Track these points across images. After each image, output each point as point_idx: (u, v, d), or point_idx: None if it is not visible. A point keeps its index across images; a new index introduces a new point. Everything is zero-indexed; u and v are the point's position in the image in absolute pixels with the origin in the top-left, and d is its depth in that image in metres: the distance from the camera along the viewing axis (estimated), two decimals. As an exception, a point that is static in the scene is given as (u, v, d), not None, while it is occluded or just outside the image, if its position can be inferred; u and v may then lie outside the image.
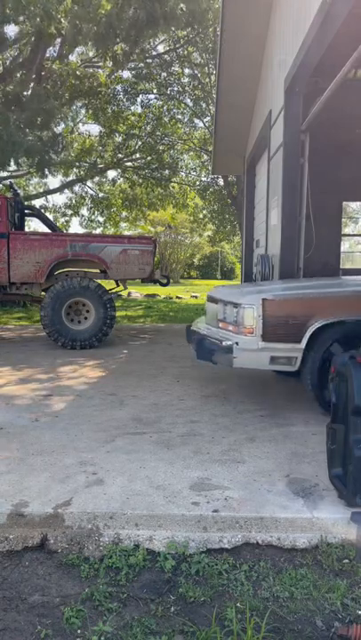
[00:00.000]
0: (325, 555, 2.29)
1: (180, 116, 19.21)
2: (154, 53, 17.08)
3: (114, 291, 8.32)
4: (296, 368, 3.73)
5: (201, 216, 23.79)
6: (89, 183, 20.91)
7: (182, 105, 18.82)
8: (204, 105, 18.16)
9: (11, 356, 6.69)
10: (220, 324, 4.12)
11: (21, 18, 11.20)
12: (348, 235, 19.30)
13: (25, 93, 12.84)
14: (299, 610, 1.99)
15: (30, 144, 11.93)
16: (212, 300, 4.50)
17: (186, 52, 17.01)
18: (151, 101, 18.79)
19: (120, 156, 19.21)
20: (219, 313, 4.21)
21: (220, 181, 19.86)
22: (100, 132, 18.79)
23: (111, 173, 20.60)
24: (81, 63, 16.07)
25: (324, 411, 3.76)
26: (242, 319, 3.72)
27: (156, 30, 12.33)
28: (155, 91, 18.34)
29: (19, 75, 13.54)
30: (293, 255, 6.29)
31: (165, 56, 17.36)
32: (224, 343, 3.77)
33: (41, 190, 21.39)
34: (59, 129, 15.49)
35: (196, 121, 19.31)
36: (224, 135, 11.28)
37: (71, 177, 19.99)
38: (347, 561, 2.27)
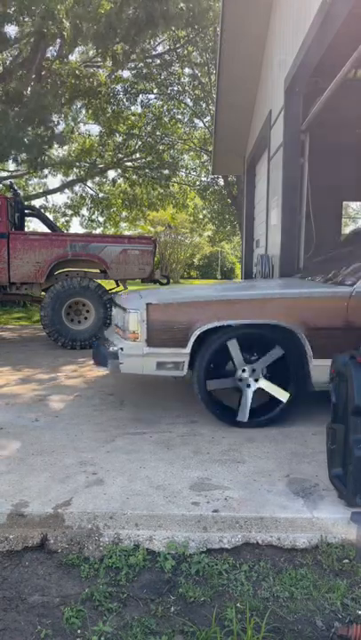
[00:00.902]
0: (325, 555, 2.29)
1: (180, 116, 19.21)
2: (154, 53, 17.08)
3: (114, 291, 8.33)
4: (185, 373, 3.67)
5: (201, 216, 23.80)
6: (89, 183, 20.92)
7: (182, 105, 18.82)
8: (204, 105, 18.16)
9: (11, 355, 6.69)
10: (115, 329, 4.09)
11: (22, 17, 11.20)
12: (349, 235, 19.26)
13: (25, 92, 12.84)
14: (299, 610, 1.99)
15: (30, 140, 11.95)
16: (114, 304, 4.45)
17: (186, 52, 17.00)
18: (151, 101, 18.81)
19: (120, 155, 19.21)
20: (115, 318, 4.20)
21: (221, 181, 19.86)
22: (100, 132, 18.79)
23: (111, 173, 20.61)
24: (81, 63, 16.07)
25: (216, 417, 3.73)
26: (127, 324, 3.67)
27: (155, 30, 12.33)
28: (155, 91, 18.34)
29: (19, 74, 13.55)
30: (293, 255, 6.29)
31: (165, 56, 17.36)
32: (111, 349, 3.71)
33: (41, 190, 21.38)
34: (59, 128, 15.51)
35: (196, 121, 19.31)
36: (224, 135, 11.28)
37: (71, 177, 20.01)
38: (347, 561, 2.27)
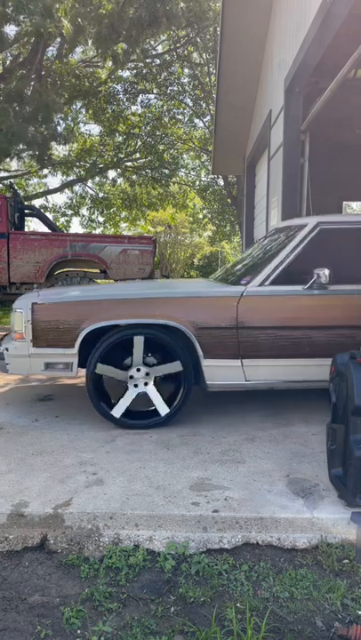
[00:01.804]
0: (325, 555, 2.29)
1: (180, 116, 19.22)
2: (154, 53, 17.08)
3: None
4: (75, 374, 3.61)
5: (201, 216, 23.79)
6: (89, 183, 20.93)
7: (182, 105, 18.83)
8: (204, 105, 18.17)
9: (11, 355, 6.67)
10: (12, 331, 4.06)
11: (22, 17, 11.21)
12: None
13: (26, 91, 12.86)
14: (299, 610, 1.99)
15: (32, 137, 11.98)
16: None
17: (186, 52, 17.01)
18: (151, 101, 18.82)
19: (120, 156, 19.22)
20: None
21: (221, 181, 19.86)
22: (100, 132, 18.80)
23: (111, 173, 20.62)
24: (81, 63, 16.07)
25: (105, 418, 3.66)
26: (12, 324, 3.62)
27: (157, 29, 12.36)
28: (155, 91, 18.35)
29: (19, 74, 13.56)
30: (293, 255, 6.27)
31: (165, 56, 17.36)
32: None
33: (41, 190, 21.40)
34: (60, 128, 15.53)
35: (196, 121, 19.32)
36: (224, 135, 11.28)
37: (71, 177, 20.02)
38: (347, 561, 2.27)
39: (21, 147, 12.36)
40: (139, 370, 3.64)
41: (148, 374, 3.64)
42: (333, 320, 3.58)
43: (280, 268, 3.64)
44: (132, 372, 3.64)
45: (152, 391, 3.64)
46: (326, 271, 3.45)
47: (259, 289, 3.61)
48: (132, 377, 3.64)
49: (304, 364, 3.61)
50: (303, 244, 3.68)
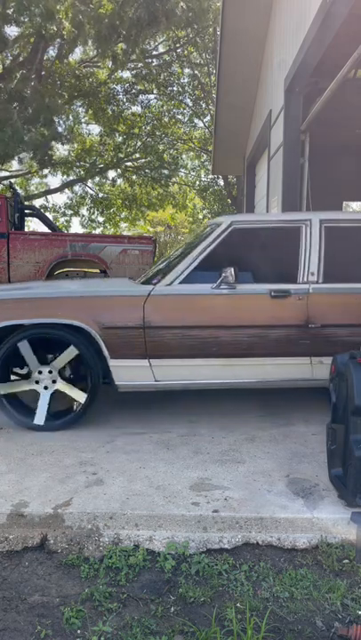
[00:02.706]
0: (325, 555, 2.29)
1: (180, 117, 19.22)
2: (154, 53, 17.09)
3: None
4: None
5: (201, 216, 23.78)
6: (89, 183, 20.93)
7: (182, 105, 18.83)
8: (203, 105, 18.17)
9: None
10: None
11: (22, 18, 11.23)
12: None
13: (26, 92, 12.87)
14: (299, 610, 1.99)
15: (34, 138, 12.00)
16: None
17: (186, 52, 17.01)
18: (151, 102, 18.82)
19: (120, 156, 19.22)
20: None
21: (220, 181, 19.86)
22: (100, 132, 18.80)
23: (111, 173, 20.62)
24: (81, 63, 16.08)
25: (14, 422, 3.59)
26: None
27: (157, 28, 12.37)
28: (155, 91, 18.35)
29: (19, 74, 13.57)
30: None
31: (165, 56, 17.36)
32: None
33: (42, 190, 21.40)
34: (61, 128, 15.54)
35: (196, 121, 19.32)
36: (224, 135, 11.29)
37: (71, 177, 20.02)
38: (347, 561, 2.27)
39: (22, 148, 12.37)
40: (40, 372, 3.59)
41: (51, 372, 3.60)
42: (240, 320, 3.54)
43: (190, 268, 3.60)
44: (36, 376, 3.58)
45: (63, 386, 3.59)
46: (233, 270, 3.42)
47: (166, 288, 3.57)
48: (37, 382, 3.59)
49: (213, 363, 3.58)
50: (215, 243, 3.64)
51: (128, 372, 3.56)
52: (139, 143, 19.20)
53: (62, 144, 15.21)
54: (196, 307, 3.56)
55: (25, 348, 3.51)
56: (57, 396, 3.66)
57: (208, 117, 18.16)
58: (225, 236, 3.66)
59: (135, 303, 3.52)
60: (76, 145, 19.08)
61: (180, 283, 3.59)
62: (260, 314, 3.56)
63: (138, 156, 19.61)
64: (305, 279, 3.64)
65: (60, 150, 18.92)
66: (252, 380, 3.68)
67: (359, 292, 3.62)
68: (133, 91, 17.77)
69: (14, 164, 17.29)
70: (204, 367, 3.60)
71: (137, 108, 18.64)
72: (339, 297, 3.62)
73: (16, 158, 13.62)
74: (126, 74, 17.49)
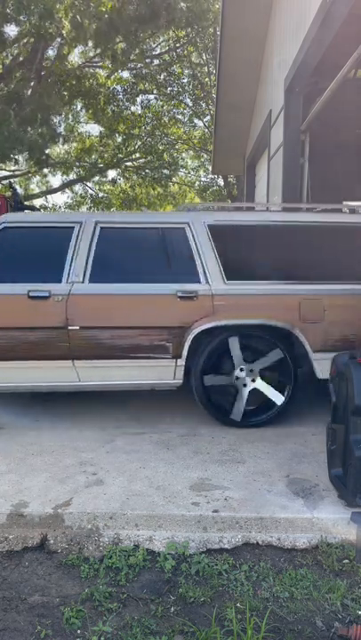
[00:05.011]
0: (325, 555, 2.29)
1: (180, 116, 19.21)
2: (154, 54, 17.08)
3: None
4: None
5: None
6: (89, 183, 20.93)
7: (182, 105, 18.82)
8: (203, 105, 18.16)
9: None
10: None
11: (22, 17, 11.22)
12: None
13: (25, 92, 12.86)
14: (299, 610, 1.99)
15: (32, 139, 11.99)
16: None
17: (186, 52, 17.00)
18: (151, 102, 18.80)
19: (120, 156, 19.22)
20: None
21: (220, 181, 19.86)
22: (100, 132, 18.80)
23: (111, 173, 20.63)
24: (81, 63, 16.07)
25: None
26: None
27: (157, 25, 12.35)
28: (154, 91, 18.34)
29: (18, 74, 13.56)
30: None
31: (165, 56, 17.36)
32: None
33: (43, 189, 21.40)
34: (60, 129, 15.53)
35: (196, 121, 19.31)
36: (224, 135, 11.28)
37: (71, 176, 20.02)
38: (347, 561, 2.27)
39: (18, 149, 12.34)
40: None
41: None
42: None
43: None
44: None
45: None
46: None
47: None
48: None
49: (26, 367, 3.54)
50: None
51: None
52: (139, 143, 19.19)
53: (61, 144, 15.19)
54: None
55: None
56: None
57: (208, 117, 18.14)
58: None
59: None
60: (75, 145, 19.08)
61: None
62: (17, 315, 3.49)
63: (138, 155, 19.60)
64: (69, 280, 3.55)
65: (58, 150, 18.93)
66: (20, 383, 3.60)
67: (122, 292, 3.54)
68: (133, 91, 17.76)
69: (14, 165, 17.27)
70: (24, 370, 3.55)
71: (137, 108, 18.65)
72: (99, 298, 3.52)
73: (12, 159, 13.58)
74: (126, 74, 17.49)
